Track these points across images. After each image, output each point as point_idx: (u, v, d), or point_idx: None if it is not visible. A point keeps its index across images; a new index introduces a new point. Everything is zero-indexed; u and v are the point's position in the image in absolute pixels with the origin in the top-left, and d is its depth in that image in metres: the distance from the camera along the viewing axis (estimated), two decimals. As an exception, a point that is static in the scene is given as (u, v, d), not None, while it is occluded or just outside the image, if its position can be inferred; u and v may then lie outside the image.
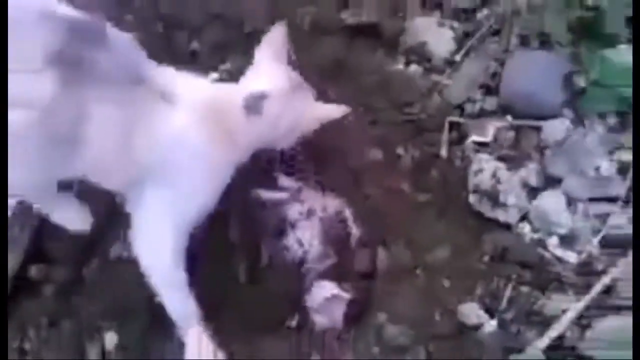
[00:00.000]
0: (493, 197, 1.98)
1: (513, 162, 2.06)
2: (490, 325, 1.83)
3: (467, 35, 2.25)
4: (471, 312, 1.86)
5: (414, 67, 2.21)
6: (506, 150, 2.09)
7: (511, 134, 2.11)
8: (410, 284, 1.95)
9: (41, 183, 1.64)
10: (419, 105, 2.12)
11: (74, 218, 1.87)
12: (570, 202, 1.97)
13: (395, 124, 2.11)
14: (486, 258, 1.94)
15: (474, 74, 2.18)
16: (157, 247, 1.69)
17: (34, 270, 1.88)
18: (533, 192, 2.01)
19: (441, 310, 1.87)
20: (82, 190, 1.86)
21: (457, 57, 2.22)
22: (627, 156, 1.96)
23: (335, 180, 2.12)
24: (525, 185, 2.01)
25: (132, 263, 1.73)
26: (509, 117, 2.11)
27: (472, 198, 2.00)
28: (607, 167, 1.98)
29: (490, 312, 1.86)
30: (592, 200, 1.97)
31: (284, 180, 2.11)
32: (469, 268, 1.94)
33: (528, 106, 2.08)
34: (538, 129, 2.07)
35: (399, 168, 2.08)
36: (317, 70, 2.09)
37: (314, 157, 2.09)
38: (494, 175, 2.00)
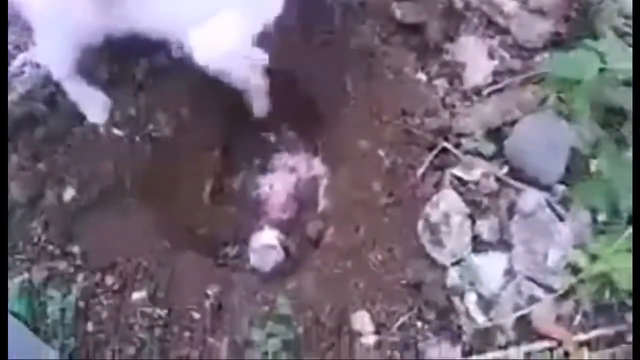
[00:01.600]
0: (436, 233, 2.02)
1: (478, 210, 2.06)
2: (369, 339, 1.93)
3: (511, 73, 2.18)
4: (361, 319, 1.96)
5: (439, 82, 2.20)
6: (479, 197, 2.08)
7: (493, 184, 2.10)
8: (332, 268, 2.04)
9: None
10: (419, 118, 2.12)
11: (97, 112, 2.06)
12: (510, 271, 1.96)
13: (392, 126, 2.13)
14: (404, 281, 1.99)
15: (492, 114, 2.14)
16: None
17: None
18: (480, 244, 2.02)
19: (332, 307, 1.95)
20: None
21: (486, 91, 2.18)
22: (583, 261, 1.92)
23: (326, 150, 2.20)
24: (476, 236, 2.02)
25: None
26: (498, 169, 2.08)
27: (420, 224, 2.04)
28: (557, 259, 1.95)
29: (377, 329, 1.94)
30: (529, 279, 1.95)
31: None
32: (387, 282, 2.01)
33: (524, 165, 2.06)
34: (519, 191, 2.05)
35: (377, 166, 2.12)
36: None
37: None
38: (447, 214, 2.02)
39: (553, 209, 2.02)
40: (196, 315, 1.90)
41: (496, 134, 2.13)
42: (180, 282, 1.96)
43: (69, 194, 1.98)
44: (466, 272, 1.98)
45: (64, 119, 2.04)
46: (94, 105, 2.00)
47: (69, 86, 1.94)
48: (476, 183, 2.08)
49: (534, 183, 2.06)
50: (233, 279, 1.97)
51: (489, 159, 2.12)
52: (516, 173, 2.09)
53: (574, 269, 1.94)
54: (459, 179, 2.10)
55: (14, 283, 1.84)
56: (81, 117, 2.03)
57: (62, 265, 1.91)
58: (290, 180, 2.23)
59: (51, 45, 1.81)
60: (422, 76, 2.16)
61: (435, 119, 2.11)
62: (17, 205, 1.93)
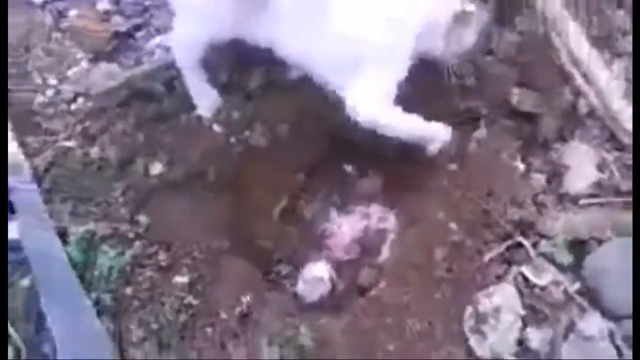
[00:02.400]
0: (481, 323, 1.94)
1: (535, 316, 1.96)
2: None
3: (616, 193, 2.09)
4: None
5: (536, 177, 2.13)
6: (540, 304, 1.98)
7: (560, 296, 2.00)
8: (369, 320, 2.01)
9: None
10: (504, 206, 2.06)
11: (206, 106, 2.20)
12: None
13: (473, 204, 2.09)
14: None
15: (582, 225, 2.05)
16: None
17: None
18: (525, 351, 1.92)
19: (352, 353, 1.92)
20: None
21: (583, 202, 2.09)
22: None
23: (402, 208, 2.20)
24: (523, 341, 1.92)
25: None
26: (570, 283, 1.98)
27: (467, 310, 1.97)
28: None
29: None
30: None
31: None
32: (416, 352, 1.95)
33: (598, 288, 1.96)
34: (583, 311, 1.93)
35: (445, 238, 2.08)
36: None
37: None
38: (499, 309, 1.93)
39: (614, 343, 1.86)
40: (223, 316, 1.92)
41: (579, 247, 2.00)
42: (222, 282, 1.99)
43: (156, 168, 2.09)
44: (495, 370, 1.85)
45: (176, 103, 2.15)
46: (205, 99, 2.12)
47: (189, 76, 2.08)
48: (542, 289, 1.97)
49: (603, 309, 1.90)
50: (270, 295, 1.96)
51: (563, 269, 1.98)
52: (588, 293, 1.94)
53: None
54: (526, 279, 1.99)
55: (78, 230, 1.95)
56: (191, 107, 2.15)
57: (125, 228, 2.00)
58: (360, 224, 2.22)
59: (185, 35, 1.95)
60: (520, 165, 2.08)
61: (519, 211, 2.03)
62: (108, 164, 2.07)
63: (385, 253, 2.18)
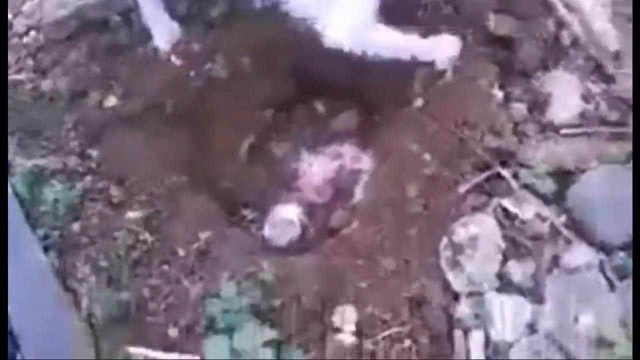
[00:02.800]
0: (457, 254, 1.78)
1: (516, 250, 1.81)
2: (346, 338, 1.71)
3: (602, 122, 1.94)
4: (345, 316, 1.76)
5: (516, 106, 1.99)
6: (522, 237, 1.83)
7: (543, 228, 1.85)
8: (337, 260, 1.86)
9: None
10: (480, 133, 1.91)
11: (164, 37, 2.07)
12: (532, 326, 1.75)
13: (448, 133, 1.94)
14: (407, 294, 1.77)
15: (566, 155, 1.90)
16: None
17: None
18: (506, 286, 1.76)
19: (319, 292, 1.76)
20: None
21: (567, 131, 1.94)
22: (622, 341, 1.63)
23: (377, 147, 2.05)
24: (503, 275, 1.77)
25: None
26: (555, 215, 1.84)
27: (443, 241, 1.81)
28: (589, 328, 1.70)
29: (358, 331, 1.72)
30: (551, 340, 1.70)
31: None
32: (388, 290, 1.80)
33: (585, 219, 1.83)
34: (569, 243, 1.78)
35: (419, 172, 1.93)
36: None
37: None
38: (475, 238, 1.78)
39: (604, 274, 1.71)
40: (180, 252, 1.76)
41: (563, 178, 1.86)
42: (179, 219, 1.83)
43: (110, 101, 1.95)
44: (480, 308, 1.70)
45: (131, 34, 2.01)
46: (163, 30, 1.98)
47: (146, 5, 1.94)
48: (523, 222, 1.81)
49: (591, 240, 1.75)
50: (232, 232, 1.80)
51: (547, 200, 1.83)
52: (573, 225, 1.79)
53: (606, 345, 1.61)
54: (506, 211, 1.83)
55: (25, 164, 1.80)
56: (148, 38, 2.00)
57: (76, 162, 1.85)
58: (332, 165, 2.07)
59: None
60: (498, 93, 1.93)
61: (497, 140, 1.88)
62: (59, 97, 1.92)
63: (358, 194, 2.01)
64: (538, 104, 1.98)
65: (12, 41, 2.02)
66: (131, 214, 1.78)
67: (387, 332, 1.70)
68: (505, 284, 1.77)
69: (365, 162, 2.08)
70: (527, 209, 1.85)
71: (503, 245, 1.80)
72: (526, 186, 1.86)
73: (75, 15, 1.98)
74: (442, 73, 1.99)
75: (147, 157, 1.93)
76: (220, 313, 1.59)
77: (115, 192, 1.84)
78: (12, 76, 1.96)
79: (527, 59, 2.02)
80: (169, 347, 1.63)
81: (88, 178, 1.85)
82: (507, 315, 1.71)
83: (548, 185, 1.84)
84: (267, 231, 1.99)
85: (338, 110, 2.12)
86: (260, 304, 1.65)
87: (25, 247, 1.70)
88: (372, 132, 2.08)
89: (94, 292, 1.66)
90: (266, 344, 1.53)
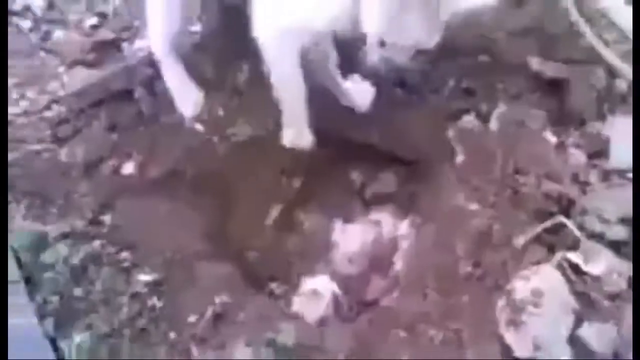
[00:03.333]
0: (518, 313, 1.48)
1: (592, 310, 1.51)
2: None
3: None
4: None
5: (574, 152, 1.76)
6: (598, 294, 1.53)
7: (621, 284, 1.54)
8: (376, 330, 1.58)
9: None
10: (536, 180, 1.67)
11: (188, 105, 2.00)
12: None
13: (498, 184, 1.71)
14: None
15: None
16: None
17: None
18: (583, 353, 1.44)
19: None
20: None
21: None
22: None
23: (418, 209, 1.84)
24: (578, 339, 1.45)
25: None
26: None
27: (500, 301, 1.52)
28: None
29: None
30: None
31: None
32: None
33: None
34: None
35: (467, 228, 1.69)
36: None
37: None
38: (539, 292, 1.48)
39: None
40: (191, 319, 1.52)
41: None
42: (195, 286, 1.61)
43: (127, 168, 1.82)
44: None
45: (154, 103, 1.93)
46: (187, 97, 1.90)
47: (169, 72, 1.88)
48: (597, 279, 1.51)
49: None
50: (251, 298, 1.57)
51: (622, 251, 1.53)
52: None
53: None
54: (575, 268, 1.54)
55: (31, 228, 1.65)
56: (171, 107, 1.92)
57: (84, 227, 1.69)
58: (368, 234, 1.83)
59: (159, 22, 1.78)
60: (551, 138, 1.71)
61: (556, 186, 1.63)
62: (75, 164, 1.81)
63: (399, 263, 1.75)
64: (597, 149, 1.71)
65: (33, 116, 1.92)
66: (141, 278, 1.55)
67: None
68: (580, 351, 1.41)
69: (405, 228, 1.81)
70: (598, 263, 1.52)
71: (574, 303, 1.45)
72: (594, 236, 1.55)
73: (97, 85, 1.89)
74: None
75: (164, 223, 1.73)
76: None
77: (125, 256, 1.61)
78: (30, 147, 1.83)
79: (579, 105, 1.78)
80: None
81: (96, 242, 1.63)
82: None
83: (621, 233, 1.52)
84: (295, 307, 1.69)
85: (373, 175, 1.89)
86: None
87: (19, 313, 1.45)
88: (411, 195, 1.84)
89: None
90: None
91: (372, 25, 1.51)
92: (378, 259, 1.82)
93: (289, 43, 1.59)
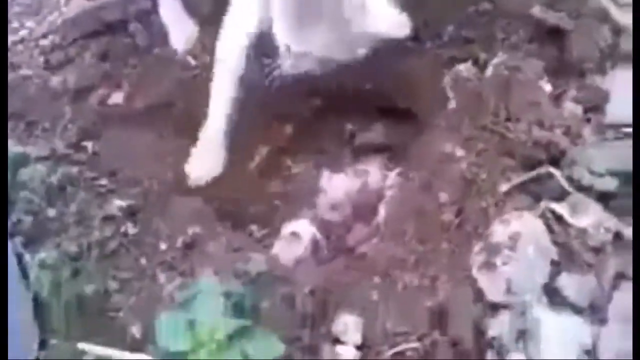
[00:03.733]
0: (494, 256, 1.42)
1: (571, 262, 1.45)
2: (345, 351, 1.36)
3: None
4: (348, 325, 1.40)
5: (569, 105, 1.69)
6: (580, 247, 1.46)
7: (605, 237, 1.48)
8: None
9: None
10: (527, 126, 1.61)
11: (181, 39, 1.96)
12: (590, 352, 1.37)
13: (488, 131, 1.65)
14: (429, 302, 1.41)
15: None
16: None
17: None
18: (558, 301, 1.38)
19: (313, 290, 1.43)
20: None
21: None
22: None
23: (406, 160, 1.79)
24: (555, 289, 1.40)
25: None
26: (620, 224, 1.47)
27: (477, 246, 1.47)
28: None
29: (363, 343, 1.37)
30: None
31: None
32: (407, 303, 1.45)
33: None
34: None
35: (452, 175, 1.63)
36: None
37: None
38: (517, 236, 1.42)
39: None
40: (162, 247, 1.50)
41: (629, 181, 1.49)
42: (171, 218, 1.58)
43: (116, 98, 1.80)
44: (523, 325, 1.30)
45: (148, 36, 1.90)
46: (181, 30, 1.86)
47: (165, 5, 1.84)
48: (581, 231, 1.44)
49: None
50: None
51: (610, 205, 1.46)
52: (646, 232, 1.41)
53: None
54: (559, 218, 1.47)
55: (12, 150, 1.64)
56: (165, 40, 1.88)
57: (65, 151, 1.67)
58: (355, 182, 1.78)
59: None
60: (546, 86, 1.64)
61: (548, 134, 1.56)
62: (65, 91, 1.79)
63: (382, 211, 1.70)
64: (594, 104, 1.63)
65: (30, 44, 1.91)
66: (116, 202, 1.52)
67: (398, 348, 1.30)
68: (556, 300, 1.35)
69: (392, 178, 1.76)
70: (585, 216, 1.46)
71: (554, 253, 1.39)
72: (583, 188, 1.48)
73: (91, 15, 1.86)
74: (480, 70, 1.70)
75: (145, 155, 1.70)
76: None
77: (103, 182, 1.59)
78: (21, 72, 1.82)
79: (580, 57, 1.71)
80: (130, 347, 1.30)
81: (75, 168, 1.61)
82: (558, 337, 1.29)
83: (611, 185, 1.45)
84: (275, 249, 1.66)
85: (364, 124, 1.84)
86: (244, 303, 1.31)
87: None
88: (400, 145, 1.78)
89: (53, 282, 1.36)
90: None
91: (280, 34, 1.53)
92: (362, 207, 1.77)
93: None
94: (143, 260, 1.50)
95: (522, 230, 1.42)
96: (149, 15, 1.90)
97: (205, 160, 1.67)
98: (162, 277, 1.45)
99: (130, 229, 1.55)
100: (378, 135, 1.89)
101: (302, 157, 1.89)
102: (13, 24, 2.03)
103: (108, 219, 1.55)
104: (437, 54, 1.84)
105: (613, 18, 1.75)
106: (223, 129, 1.71)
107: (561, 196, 1.53)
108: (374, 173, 1.85)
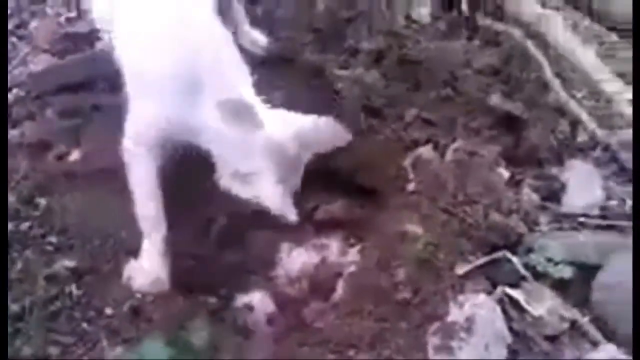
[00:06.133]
0: (448, 338, 1.39)
1: (526, 348, 1.42)
2: None
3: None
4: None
5: (525, 191, 1.70)
6: (535, 334, 1.45)
7: (561, 326, 1.46)
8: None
9: None
10: (484, 211, 1.61)
11: None
12: None
13: (447, 213, 1.64)
14: None
15: (587, 247, 1.58)
16: None
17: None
18: None
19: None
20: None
21: (585, 221, 1.63)
22: None
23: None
24: None
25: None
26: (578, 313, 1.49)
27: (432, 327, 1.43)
28: None
29: None
30: None
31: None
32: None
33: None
34: (596, 344, 1.39)
35: (409, 255, 1.61)
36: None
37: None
38: (472, 318, 1.40)
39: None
40: (107, 311, 1.42)
41: (584, 270, 1.50)
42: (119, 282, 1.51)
43: (73, 155, 1.76)
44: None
45: (113, 96, 1.88)
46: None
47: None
48: (538, 319, 1.43)
49: (620, 340, 1.36)
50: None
51: (565, 292, 1.46)
52: (598, 322, 1.41)
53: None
54: (515, 304, 1.46)
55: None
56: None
57: (19, 207, 1.61)
58: (313, 257, 1.75)
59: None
60: (504, 172, 1.66)
61: (505, 219, 1.56)
62: (21, 146, 1.74)
63: (340, 288, 1.67)
64: (550, 193, 1.65)
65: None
66: (64, 262, 1.45)
67: None
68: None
69: (353, 255, 1.73)
70: (541, 303, 1.45)
71: (509, 338, 1.36)
72: (539, 275, 1.47)
73: (57, 72, 1.83)
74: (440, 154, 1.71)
75: (100, 215, 1.63)
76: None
77: (53, 239, 1.51)
78: None
79: (537, 146, 1.74)
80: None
81: (25, 224, 1.53)
82: None
83: (567, 273, 1.45)
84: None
85: (325, 199, 1.82)
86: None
87: None
88: (360, 221, 1.76)
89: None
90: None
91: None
92: (319, 283, 1.72)
93: None
94: (85, 325, 1.39)
95: (478, 313, 1.38)
96: (115, 76, 1.85)
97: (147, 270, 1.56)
98: (104, 343, 1.35)
99: (75, 290, 1.44)
100: (338, 210, 1.85)
101: (261, 227, 1.82)
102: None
103: (53, 278, 1.44)
104: (400, 136, 1.83)
105: (570, 110, 1.80)
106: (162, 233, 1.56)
107: (517, 282, 1.50)
108: (334, 248, 1.80)
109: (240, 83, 1.50)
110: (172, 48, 1.43)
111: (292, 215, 1.47)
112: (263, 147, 1.43)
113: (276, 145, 1.45)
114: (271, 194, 1.45)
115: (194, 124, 1.47)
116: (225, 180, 1.51)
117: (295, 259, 1.76)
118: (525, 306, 1.47)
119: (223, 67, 1.48)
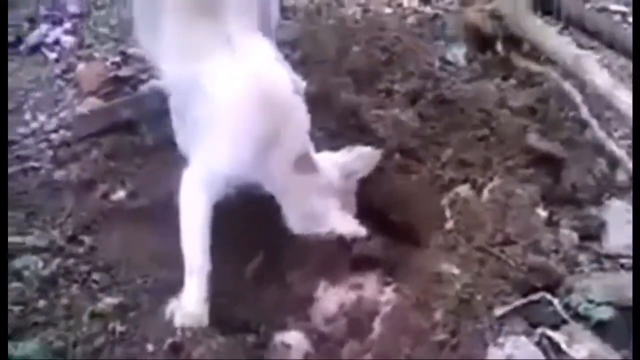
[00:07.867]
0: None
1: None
2: None
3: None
4: None
5: (565, 232, 1.70)
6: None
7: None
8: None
9: None
10: (522, 252, 1.61)
11: None
12: None
13: (484, 253, 1.65)
14: None
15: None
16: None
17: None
18: None
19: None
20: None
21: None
22: None
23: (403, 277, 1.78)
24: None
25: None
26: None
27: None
28: None
29: None
30: None
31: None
32: None
33: None
34: None
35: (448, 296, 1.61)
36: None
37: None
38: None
39: None
40: (149, 347, 1.45)
41: (626, 315, 1.48)
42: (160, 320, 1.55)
43: (118, 194, 1.81)
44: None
45: (157, 137, 1.94)
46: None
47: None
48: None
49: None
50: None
51: (608, 336, 1.45)
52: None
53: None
54: (555, 346, 1.45)
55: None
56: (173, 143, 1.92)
57: (62, 244, 1.66)
58: (350, 296, 1.76)
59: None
60: (542, 212, 1.66)
61: (544, 260, 1.56)
62: (67, 185, 1.81)
63: (377, 327, 1.67)
64: (591, 232, 1.64)
65: (40, 137, 1.94)
66: (108, 300, 1.49)
67: None
68: None
69: (389, 294, 1.74)
70: (582, 345, 1.43)
71: (549, 380, 1.35)
72: (580, 317, 1.46)
73: (102, 114, 1.91)
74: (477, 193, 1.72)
75: (144, 254, 1.68)
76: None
77: (97, 277, 1.56)
78: (28, 164, 1.83)
79: (575, 186, 1.74)
80: None
81: (71, 260, 1.58)
82: None
83: (607, 314, 1.43)
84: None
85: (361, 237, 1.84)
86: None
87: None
88: (397, 260, 1.77)
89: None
90: None
91: None
92: (356, 322, 1.72)
93: None
94: (126, 360, 1.42)
95: (517, 355, 1.37)
96: (159, 116, 1.91)
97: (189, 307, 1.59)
98: (147, 381, 1.37)
99: (119, 326, 1.48)
100: (375, 249, 1.86)
101: (298, 265, 1.84)
102: (25, 116, 2.03)
103: (97, 315, 1.48)
104: (437, 175, 1.84)
105: (609, 149, 1.79)
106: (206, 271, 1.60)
107: (557, 323, 1.48)
108: (370, 287, 1.80)
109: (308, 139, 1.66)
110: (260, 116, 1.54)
111: (362, 232, 1.73)
112: (322, 187, 1.67)
113: (330, 183, 1.68)
114: (341, 222, 1.71)
115: (264, 170, 1.62)
116: (295, 221, 1.70)
117: (331, 298, 1.74)
118: (566, 349, 1.44)
119: (299, 127, 1.64)
